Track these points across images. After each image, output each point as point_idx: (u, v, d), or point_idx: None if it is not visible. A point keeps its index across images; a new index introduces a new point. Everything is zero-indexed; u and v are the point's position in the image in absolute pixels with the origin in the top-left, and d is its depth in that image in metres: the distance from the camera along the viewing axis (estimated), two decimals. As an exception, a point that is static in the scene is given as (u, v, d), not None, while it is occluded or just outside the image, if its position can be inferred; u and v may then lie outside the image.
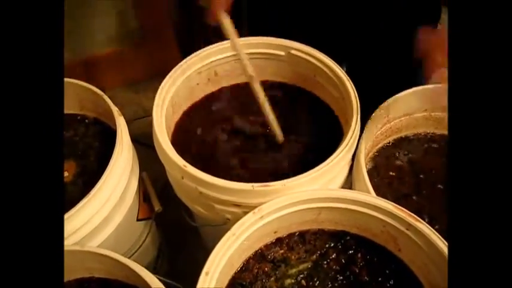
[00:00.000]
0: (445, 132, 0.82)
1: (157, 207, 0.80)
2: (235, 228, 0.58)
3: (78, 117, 0.84)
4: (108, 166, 0.65)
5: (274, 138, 0.75)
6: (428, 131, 0.85)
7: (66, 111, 0.83)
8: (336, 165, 0.64)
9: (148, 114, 1.41)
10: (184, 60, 0.77)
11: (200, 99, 0.83)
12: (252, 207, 0.61)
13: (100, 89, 0.77)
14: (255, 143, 0.77)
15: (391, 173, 0.78)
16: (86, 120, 0.83)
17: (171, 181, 0.73)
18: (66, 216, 0.61)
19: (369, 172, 0.71)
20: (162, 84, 0.73)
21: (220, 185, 0.62)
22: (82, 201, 0.62)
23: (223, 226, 0.68)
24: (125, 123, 0.73)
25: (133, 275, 0.57)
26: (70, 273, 0.64)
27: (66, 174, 0.75)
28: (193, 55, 0.78)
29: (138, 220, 0.78)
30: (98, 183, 0.64)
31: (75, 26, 1.33)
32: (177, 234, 0.98)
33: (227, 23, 0.67)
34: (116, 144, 0.68)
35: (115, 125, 0.72)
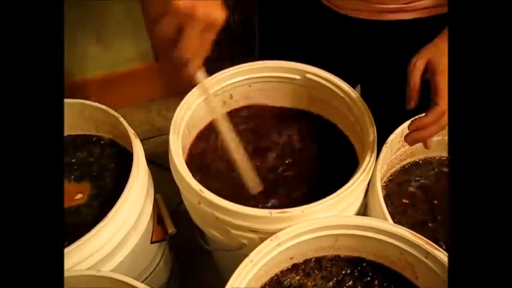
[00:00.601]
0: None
1: (171, 229, 0.80)
2: (253, 255, 0.58)
3: (94, 139, 0.84)
4: (125, 189, 0.65)
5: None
6: (442, 155, 0.85)
7: (81, 132, 0.84)
8: (352, 192, 0.64)
9: (160, 133, 1.42)
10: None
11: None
12: (269, 233, 0.61)
13: (112, 108, 0.78)
14: (272, 166, 0.77)
15: (404, 200, 0.78)
16: (102, 142, 0.84)
17: (187, 205, 0.73)
18: (82, 240, 0.61)
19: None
20: (178, 109, 0.74)
21: (237, 211, 0.62)
22: (99, 225, 0.62)
23: (238, 251, 0.68)
24: (141, 145, 0.73)
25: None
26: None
27: (80, 195, 0.76)
28: (209, 78, 0.78)
29: (152, 243, 0.78)
30: (114, 206, 0.64)
31: (87, 46, 1.35)
32: (189, 256, 0.98)
33: (204, 81, 0.62)
34: (133, 167, 0.68)
35: (130, 146, 0.72)
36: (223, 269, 0.87)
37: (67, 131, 0.83)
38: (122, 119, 0.74)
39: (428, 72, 0.63)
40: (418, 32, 0.73)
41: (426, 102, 0.64)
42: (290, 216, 0.61)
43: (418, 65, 0.63)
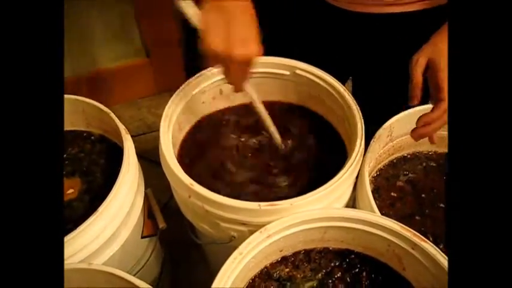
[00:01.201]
0: (446, 150, 0.84)
1: (161, 224, 0.81)
2: (242, 248, 0.58)
3: (84, 134, 0.85)
4: (116, 184, 0.66)
5: (279, 152, 0.76)
6: (430, 150, 0.86)
7: (72, 127, 0.85)
8: (341, 184, 0.65)
9: (151, 130, 1.42)
10: (189, 79, 0.78)
11: (205, 116, 0.84)
12: (258, 226, 0.61)
13: (103, 105, 0.78)
14: (260, 161, 0.77)
15: (392, 194, 0.79)
16: (92, 137, 0.84)
17: (177, 199, 0.74)
18: (74, 233, 0.61)
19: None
20: (168, 103, 0.74)
21: (227, 204, 0.62)
22: (90, 219, 0.62)
23: (228, 244, 0.69)
24: (131, 140, 0.73)
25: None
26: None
27: (71, 190, 0.76)
28: (198, 74, 0.79)
29: (142, 237, 0.78)
30: (105, 200, 0.64)
31: (79, 43, 1.35)
32: (180, 250, 0.98)
33: (252, 92, 0.69)
34: (123, 162, 0.68)
35: (121, 142, 0.73)
36: (214, 262, 0.88)
37: (57, 127, 0.84)
38: (112, 115, 0.75)
39: (430, 69, 0.64)
40: (412, 26, 0.74)
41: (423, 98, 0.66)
42: (279, 209, 0.62)
43: (420, 62, 0.64)
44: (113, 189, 0.65)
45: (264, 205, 0.62)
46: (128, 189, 0.69)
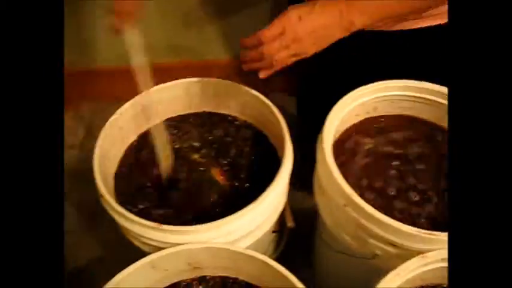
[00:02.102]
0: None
1: (290, 222, 0.82)
2: (401, 270, 0.59)
3: (229, 118, 0.88)
4: (276, 177, 0.68)
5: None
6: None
7: (225, 111, 0.88)
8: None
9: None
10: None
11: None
12: (408, 250, 0.62)
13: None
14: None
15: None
16: (236, 122, 0.88)
17: (324, 202, 0.74)
18: (227, 219, 0.63)
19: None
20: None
21: (386, 222, 0.62)
22: (248, 208, 0.64)
23: (365, 259, 0.69)
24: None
25: (279, 279, 0.59)
26: (219, 270, 0.67)
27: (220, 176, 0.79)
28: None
29: (273, 231, 0.80)
30: (265, 191, 0.66)
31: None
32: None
33: None
34: (285, 154, 0.70)
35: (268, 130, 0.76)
36: (332, 267, 0.89)
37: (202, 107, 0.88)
38: (274, 108, 0.77)
39: None
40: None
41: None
42: (438, 239, 0.62)
43: None
44: (274, 181, 0.67)
45: (423, 232, 0.62)
46: (284, 184, 0.70)
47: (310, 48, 0.72)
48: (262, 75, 0.77)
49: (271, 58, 0.72)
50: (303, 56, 0.73)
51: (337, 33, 0.71)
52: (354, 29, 0.71)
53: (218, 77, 0.84)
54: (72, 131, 1.55)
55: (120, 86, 1.52)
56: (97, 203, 1.26)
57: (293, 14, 0.70)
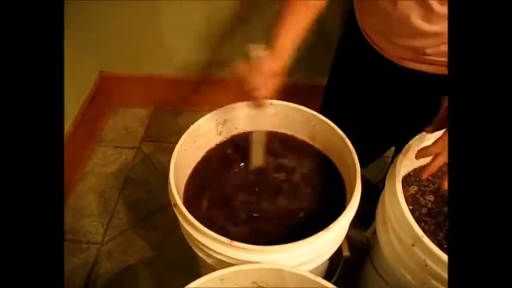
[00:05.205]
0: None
1: (346, 252, 0.83)
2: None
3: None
4: (347, 209, 0.69)
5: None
6: None
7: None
8: None
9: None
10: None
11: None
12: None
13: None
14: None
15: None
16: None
17: (385, 239, 0.76)
18: (300, 243, 0.65)
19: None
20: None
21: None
22: (318, 235, 0.66)
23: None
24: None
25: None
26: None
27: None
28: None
29: (328, 259, 0.81)
30: (335, 221, 0.67)
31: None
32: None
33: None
34: (355, 189, 0.72)
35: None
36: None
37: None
38: (345, 138, 0.79)
39: None
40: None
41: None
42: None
43: None
44: (345, 212, 0.69)
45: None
46: (352, 215, 0.72)
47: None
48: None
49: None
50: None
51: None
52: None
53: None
54: (131, 133, 1.60)
55: (181, 94, 1.59)
56: (146, 205, 1.30)
57: None
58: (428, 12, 0.71)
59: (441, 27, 0.72)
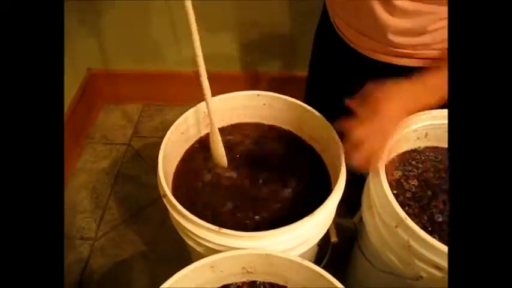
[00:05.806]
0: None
1: (333, 238, 0.85)
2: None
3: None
4: (332, 193, 0.71)
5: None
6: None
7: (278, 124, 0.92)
8: None
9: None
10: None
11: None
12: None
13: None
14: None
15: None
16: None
17: (372, 223, 0.78)
18: (286, 228, 0.67)
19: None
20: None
21: (435, 245, 0.65)
22: (304, 220, 0.68)
23: (410, 281, 0.72)
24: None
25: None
26: (269, 276, 0.71)
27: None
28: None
29: (317, 244, 0.83)
30: (321, 206, 0.69)
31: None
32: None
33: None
34: (341, 170, 0.74)
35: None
36: (367, 285, 0.92)
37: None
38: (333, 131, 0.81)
39: None
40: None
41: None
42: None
43: None
44: (330, 196, 0.71)
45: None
46: (338, 199, 0.74)
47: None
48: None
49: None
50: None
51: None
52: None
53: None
54: (121, 130, 1.61)
55: (170, 90, 1.60)
56: (137, 200, 1.32)
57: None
58: (389, 8, 0.74)
59: (407, 21, 0.74)
